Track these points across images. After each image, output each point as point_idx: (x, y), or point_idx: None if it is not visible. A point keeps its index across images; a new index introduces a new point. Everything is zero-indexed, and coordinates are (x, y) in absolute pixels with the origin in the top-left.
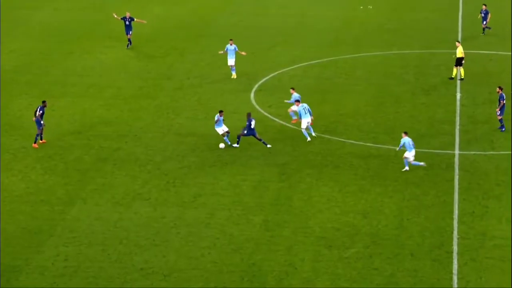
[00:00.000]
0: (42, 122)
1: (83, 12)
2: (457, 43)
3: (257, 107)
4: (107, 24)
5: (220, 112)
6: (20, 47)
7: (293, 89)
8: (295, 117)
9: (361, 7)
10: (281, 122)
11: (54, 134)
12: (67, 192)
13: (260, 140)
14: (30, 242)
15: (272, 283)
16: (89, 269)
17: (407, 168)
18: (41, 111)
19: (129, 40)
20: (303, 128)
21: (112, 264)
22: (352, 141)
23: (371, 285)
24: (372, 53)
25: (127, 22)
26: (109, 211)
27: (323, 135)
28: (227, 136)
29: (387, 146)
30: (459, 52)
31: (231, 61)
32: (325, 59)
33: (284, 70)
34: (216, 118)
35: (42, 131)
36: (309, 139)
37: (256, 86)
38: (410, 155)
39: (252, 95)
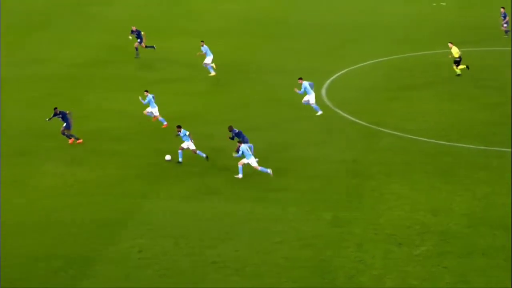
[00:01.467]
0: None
1: (155, 7)
2: (449, 44)
3: (328, 103)
4: (178, 19)
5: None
6: (94, 41)
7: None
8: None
9: (434, 4)
10: (352, 118)
11: (127, 128)
12: (141, 185)
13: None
14: (105, 234)
15: (342, 279)
16: (161, 262)
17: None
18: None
19: (147, 47)
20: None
21: (184, 257)
22: (424, 139)
23: (441, 283)
24: (444, 51)
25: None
26: (182, 205)
27: (394, 132)
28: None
29: (458, 144)
30: (455, 52)
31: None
32: (395, 56)
33: (354, 67)
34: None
35: (65, 131)
36: (320, 112)
37: (327, 82)
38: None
39: (323, 91)
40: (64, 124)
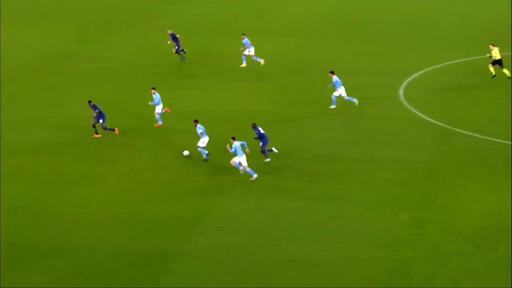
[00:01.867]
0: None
1: (226, 6)
2: (491, 46)
3: (405, 103)
4: (249, 18)
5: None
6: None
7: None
8: (160, 122)
9: None
10: (429, 119)
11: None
12: (215, 182)
13: (264, 152)
14: (181, 230)
15: (419, 280)
16: (236, 260)
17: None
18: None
19: (178, 52)
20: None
21: (253, 254)
22: (500, 140)
23: None
24: None
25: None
26: (257, 202)
27: (469, 133)
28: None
29: None
30: (496, 54)
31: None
32: (472, 58)
33: (431, 68)
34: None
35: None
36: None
37: (405, 83)
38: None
39: (401, 92)
40: (95, 116)
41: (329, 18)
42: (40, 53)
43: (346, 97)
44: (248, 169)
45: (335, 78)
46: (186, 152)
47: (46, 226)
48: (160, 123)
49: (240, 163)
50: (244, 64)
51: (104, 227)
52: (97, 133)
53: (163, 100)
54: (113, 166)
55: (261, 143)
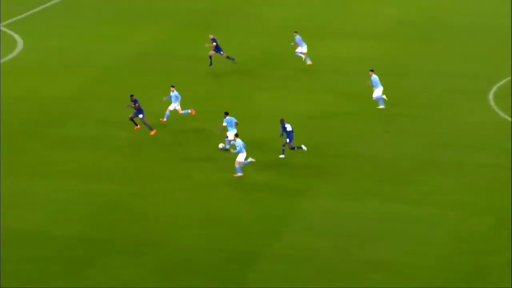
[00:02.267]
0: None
1: (314, 9)
2: None
3: (494, 108)
4: (336, 20)
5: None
6: (258, 42)
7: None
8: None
9: None
10: None
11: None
12: (299, 183)
13: (292, 149)
14: (267, 230)
15: (503, 286)
16: (320, 261)
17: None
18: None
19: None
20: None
21: (343, 256)
22: None
23: None
24: None
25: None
26: (340, 203)
27: None
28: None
29: None
30: None
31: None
32: None
33: None
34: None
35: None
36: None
37: (495, 87)
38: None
39: (490, 96)
40: (136, 112)
41: (415, 19)
42: (136, 52)
43: (376, 97)
44: (238, 167)
45: (374, 77)
46: (221, 145)
47: (139, 223)
48: (165, 119)
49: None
50: (309, 62)
51: (192, 226)
52: (136, 124)
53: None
54: (206, 164)
55: (287, 140)
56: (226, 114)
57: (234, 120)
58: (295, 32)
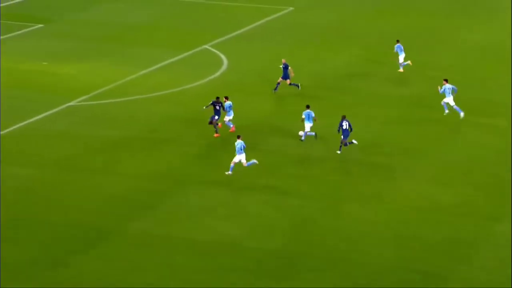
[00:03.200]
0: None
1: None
2: None
3: None
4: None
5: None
6: (451, 64)
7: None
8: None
9: None
10: None
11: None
12: (490, 206)
13: (345, 144)
14: (457, 254)
15: None
16: None
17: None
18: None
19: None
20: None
21: None
22: None
23: None
24: None
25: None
26: None
27: None
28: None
29: None
30: None
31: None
32: None
33: None
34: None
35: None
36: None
37: None
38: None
39: None
40: (216, 116)
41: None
42: (331, 72)
43: (454, 106)
44: (247, 164)
45: (446, 86)
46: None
47: (327, 239)
48: (232, 126)
49: (240, 161)
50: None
51: (380, 243)
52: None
53: None
54: (383, 184)
55: (342, 136)
56: (307, 107)
57: (312, 114)
58: (397, 40)
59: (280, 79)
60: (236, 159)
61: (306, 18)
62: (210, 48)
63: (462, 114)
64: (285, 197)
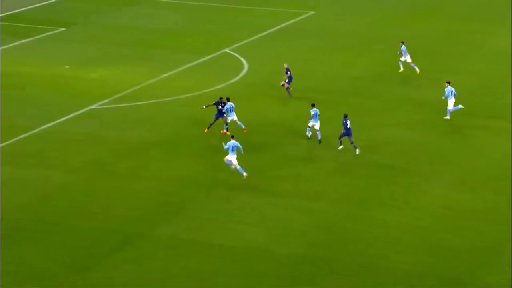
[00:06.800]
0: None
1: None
2: None
3: None
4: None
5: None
6: (478, 69)
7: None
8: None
9: None
10: None
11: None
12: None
13: (352, 143)
14: (479, 260)
15: None
16: None
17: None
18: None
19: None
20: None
21: None
22: None
23: None
24: None
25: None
26: None
27: None
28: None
29: None
30: None
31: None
32: None
33: None
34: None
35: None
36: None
37: None
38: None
39: None
40: (218, 115)
41: None
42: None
43: (453, 108)
44: (238, 167)
45: (447, 89)
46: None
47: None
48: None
49: (231, 161)
50: (401, 69)
51: (405, 250)
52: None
53: None
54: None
55: (347, 136)
56: (313, 105)
57: (317, 112)
58: (402, 42)
59: (286, 84)
60: (229, 157)
61: (326, 22)
62: (230, 52)
63: (448, 117)
64: (309, 202)
